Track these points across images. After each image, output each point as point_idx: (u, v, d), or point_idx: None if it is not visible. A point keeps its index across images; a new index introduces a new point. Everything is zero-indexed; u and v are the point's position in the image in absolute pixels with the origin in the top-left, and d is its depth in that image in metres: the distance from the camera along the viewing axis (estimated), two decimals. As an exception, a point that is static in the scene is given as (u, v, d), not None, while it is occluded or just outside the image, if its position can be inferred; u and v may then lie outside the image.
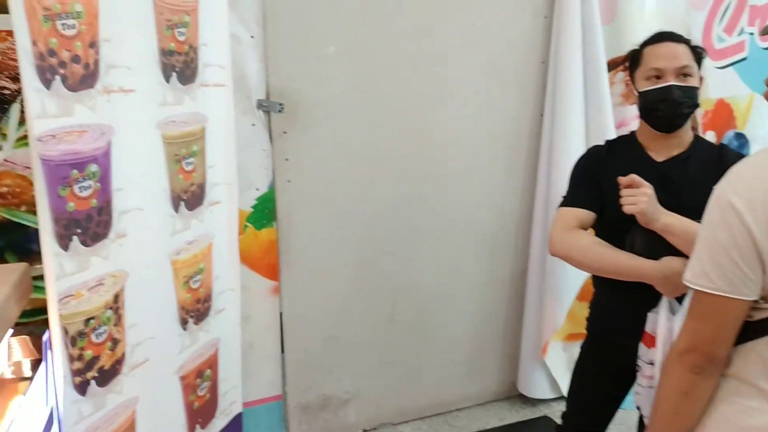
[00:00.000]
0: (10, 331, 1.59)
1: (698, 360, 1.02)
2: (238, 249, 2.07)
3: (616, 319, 1.60)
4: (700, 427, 1.06)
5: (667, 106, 1.49)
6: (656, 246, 1.42)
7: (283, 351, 2.36)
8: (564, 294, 2.48)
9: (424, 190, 2.42)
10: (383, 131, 2.30)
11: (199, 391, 1.99)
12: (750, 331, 1.00)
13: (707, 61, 2.78)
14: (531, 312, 2.63)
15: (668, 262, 1.40)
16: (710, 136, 2.85)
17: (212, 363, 2.04)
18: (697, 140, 1.58)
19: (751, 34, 2.84)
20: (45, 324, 1.72)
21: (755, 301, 0.98)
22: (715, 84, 2.79)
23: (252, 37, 2.05)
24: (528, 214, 2.57)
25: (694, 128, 2.82)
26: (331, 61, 2.16)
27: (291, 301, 2.31)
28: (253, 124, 2.12)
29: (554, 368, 2.66)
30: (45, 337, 1.59)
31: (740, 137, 2.95)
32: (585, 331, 1.74)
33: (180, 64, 1.70)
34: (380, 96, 2.26)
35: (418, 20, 2.25)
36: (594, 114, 2.38)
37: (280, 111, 2.11)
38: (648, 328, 1.46)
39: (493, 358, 2.75)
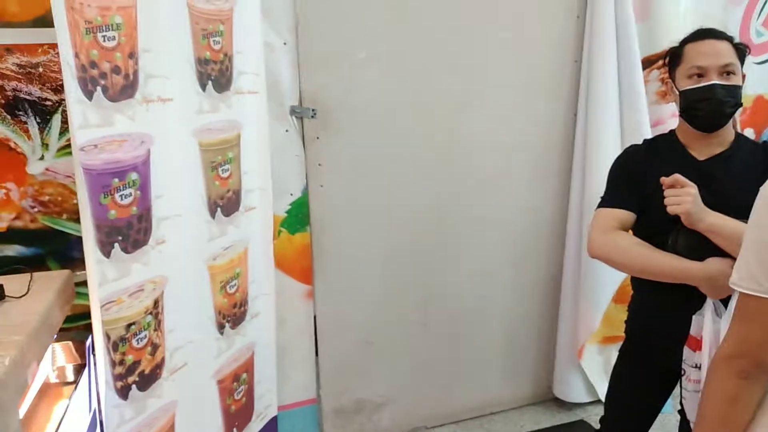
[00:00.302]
0: (54, 336, 1.62)
1: (746, 365, 1.00)
2: (272, 254, 2.09)
3: (657, 321, 1.57)
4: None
5: (710, 106, 1.46)
6: (700, 247, 1.40)
7: (317, 355, 2.37)
8: (600, 296, 2.45)
9: (456, 194, 2.40)
10: (415, 136, 2.30)
11: (236, 394, 2.01)
12: None
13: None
14: (566, 315, 2.60)
15: (713, 264, 1.37)
16: (749, 134, 2.79)
17: (248, 366, 2.06)
18: (739, 138, 1.55)
19: (791, 28, 2.77)
20: (87, 329, 1.76)
21: None
22: (754, 80, 2.73)
23: (285, 44, 2.06)
24: (562, 216, 2.54)
25: (735, 124, 2.77)
26: (363, 67, 2.16)
27: (325, 304, 2.32)
28: (287, 130, 2.13)
29: (590, 372, 2.62)
30: (87, 343, 1.62)
31: (780, 134, 2.88)
32: (623, 334, 1.71)
33: (215, 73, 1.72)
34: (411, 100, 2.26)
35: (448, 23, 2.24)
36: (629, 113, 2.34)
37: (312, 117, 2.13)
38: (693, 331, 1.43)
39: (527, 362, 2.72)
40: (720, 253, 1.38)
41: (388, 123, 2.24)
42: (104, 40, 1.34)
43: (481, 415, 2.68)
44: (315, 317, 2.33)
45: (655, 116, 2.42)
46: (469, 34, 2.28)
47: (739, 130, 2.77)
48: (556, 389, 2.72)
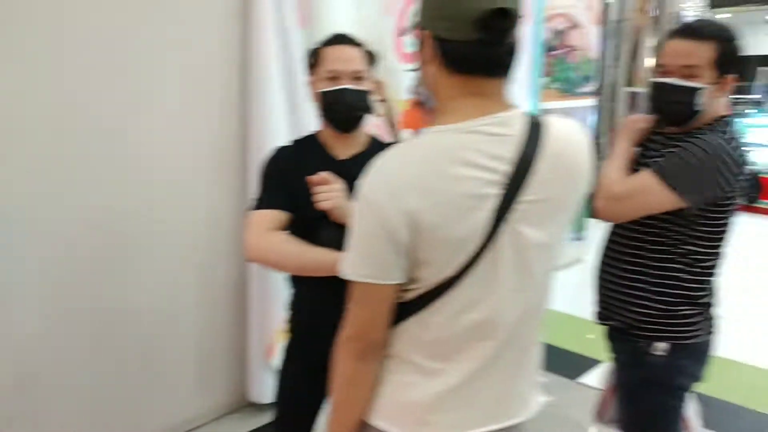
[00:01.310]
0: None
1: (361, 346, 1.08)
2: None
3: (317, 315, 1.61)
4: (370, 409, 1.12)
5: (342, 108, 1.54)
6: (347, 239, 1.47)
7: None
8: (282, 294, 2.48)
9: (128, 203, 2.22)
10: (72, 140, 2.05)
11: None
12: (402, 311, 1.08)
13: (398, 64, 3.02)
14: (254, 316, 2.59)
15: None
16: (406, 134, 3.09)
17: None
18: (374, 140, 1.68)
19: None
20: None
21: (403, 284, 1.05)
22: (408, 85, 3.03)
23: None
24: (241, 220, 2.52)
25: (392, 126, 3.04)
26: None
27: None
28: None
29: (282, 369, 2.66)
30: None
31: (433, 133, 3.25)
32: (281, 337, 1.73)
33: None
34: (63, 103, 2.00)
35: (105, 23, 2.04)
36: (295, 115, 2.41)
37: None
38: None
39: (221, 370, 2.65)
40: None
41: (35, 125, 1.95)
42: None
43: (177, 434, 2.53)
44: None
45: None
46: (126, 35, 2.11)
47: (398, 132, 3.06)
48: (251, 394, 2.69)
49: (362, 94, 1.55)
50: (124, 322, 2.28)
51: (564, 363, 2.12)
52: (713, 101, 1.55)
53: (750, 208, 7.01)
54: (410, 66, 3.05)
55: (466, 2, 0.98)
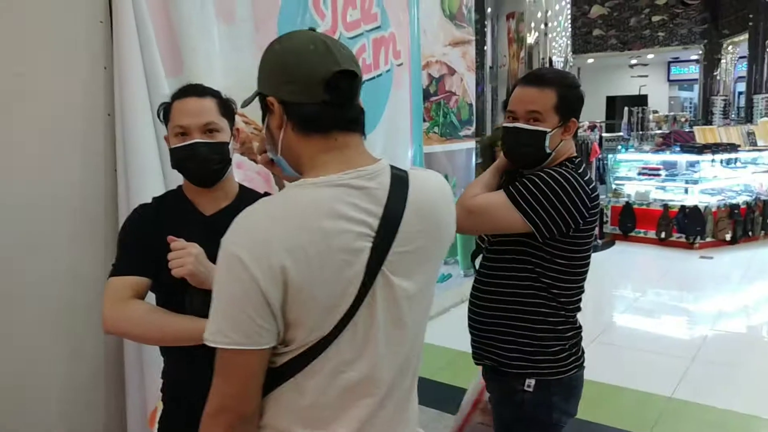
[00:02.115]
0: None
1: (230, 419, 0.99)
2: None
3: (187, 384, 1.52)
4: None
5: (195, 163, 1.46)
6: None
7: None
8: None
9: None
10: None
11: None
12: (275, 377, 1.01)
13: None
14: (133, 383, 2.40)
15: None
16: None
17: None
18: (243, 190, 1.60)
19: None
20: None
21: (274, 348, 0.98)
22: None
23: None
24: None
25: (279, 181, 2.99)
26: None
27: None
28: None
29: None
30: None
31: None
32: (161, 403, 1.61)
33: None
34: None
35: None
36: (170, 167, 2.30)
37: None
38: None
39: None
40: None
41: None
42: None
43: None
44: None
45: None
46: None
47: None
48: (134, 466, 2.48)
49: (216, 147, 1.46)
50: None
51: (455, 400, 2.13)
52: (562, 143, 1.64)
53: (626, 238, 7.53)
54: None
55: (310, 66, 0.99)
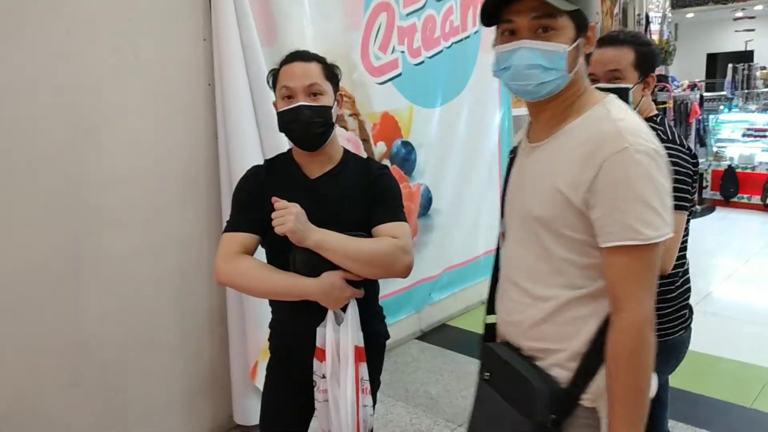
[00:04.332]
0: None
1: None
2: None
3: (292, 337, 1.61)
4: None
5: (299, 126, 1.49)
6: (315, 263, 1.45)
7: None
8: (264, 312, 2.45)
9: (91, 233, 2.16)
10: (20, 173, 1.99)
11: None
12: None
13: (368, 78, 3.03)
14: (236, 339, 2.56)
15: (326, 278, 1.44)
16: (380, 147, 3.10)
17: None
18: (347, 155, 1.63)
19: (402, 52, 3.16)
20: None
21: None
22: (378, 98, 3.04)
23: None
24: (217, 240, 2.48)
25: (366, 140, 3.04)
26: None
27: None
28: None
29: (266, 390, 2.62)
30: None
31: (407, 145, 3.27)
32: (264, 355, 1.71)
33: None
34: (10, 131, 1.95)
35: (55, 47, 2.01)
36: (267, 133, 2.40)
37: None
38: (318, 342, 1.49)
39: (204, 396, 2.60)
40: (334, 267, 1.45)
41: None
42: None
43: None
44: None
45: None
46: (80, 59, 2.07)
47: (372, 145, 3.06)
48: (237, 416, 2.65)
49: (320, 110, 1.49)
50: (96, 356, 2.23)
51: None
52: (643, 100, 1.69)
53: (728, 204, 7.12)
54: (381, 80, 3.06)
55: None
